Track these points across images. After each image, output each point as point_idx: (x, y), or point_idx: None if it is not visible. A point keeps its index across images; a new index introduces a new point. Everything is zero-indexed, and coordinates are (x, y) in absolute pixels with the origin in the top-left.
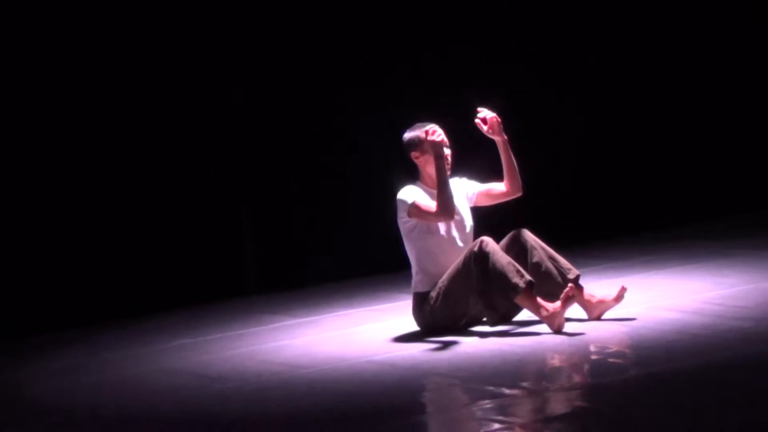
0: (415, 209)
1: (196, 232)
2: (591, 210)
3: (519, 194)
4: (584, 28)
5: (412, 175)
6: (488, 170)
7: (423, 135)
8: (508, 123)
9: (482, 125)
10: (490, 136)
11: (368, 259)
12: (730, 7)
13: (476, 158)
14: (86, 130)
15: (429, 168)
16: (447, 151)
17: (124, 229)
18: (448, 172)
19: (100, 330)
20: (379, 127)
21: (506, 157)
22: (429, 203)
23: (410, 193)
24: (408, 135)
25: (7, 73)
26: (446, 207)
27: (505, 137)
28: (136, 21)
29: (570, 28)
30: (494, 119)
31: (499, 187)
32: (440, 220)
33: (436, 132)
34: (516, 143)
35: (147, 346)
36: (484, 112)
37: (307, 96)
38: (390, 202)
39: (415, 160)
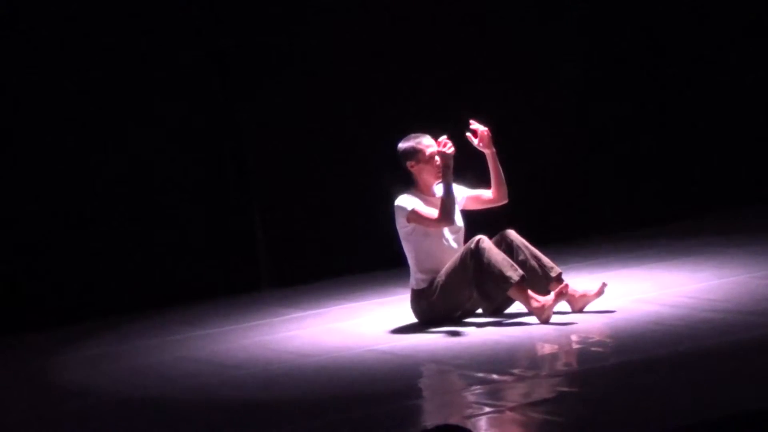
0: (414, 215)
1: (211, 230)
2: (573, 209)
3: (504, 201)
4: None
5: (406, 182)
6: (476, 178)
7: (417, 146)
8: (495, 134)
9: (473, 138)
10: (480, 149)
11: (371, 256)
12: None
13: (465, 167)
14: (110, 131)
15: (424, 176)
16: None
17: (142, 227)
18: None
19: (124, 322)
20: (385, 131)
21: (494, 168)
22: (428, 210)
23: (408, 201)
24: (403, 145)
25: (25, 70)
26: (449, 214)
27: (494, 150)
28: (156, 19)
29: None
30: (485, 132)
31: (486, 194)
32: (441, 226)
33: (447, 144)
34: (500, 145)
35: (168, 336)
36: (476, 125)
37: (319, 95)
38: (392, 203)
39: (411, 169)
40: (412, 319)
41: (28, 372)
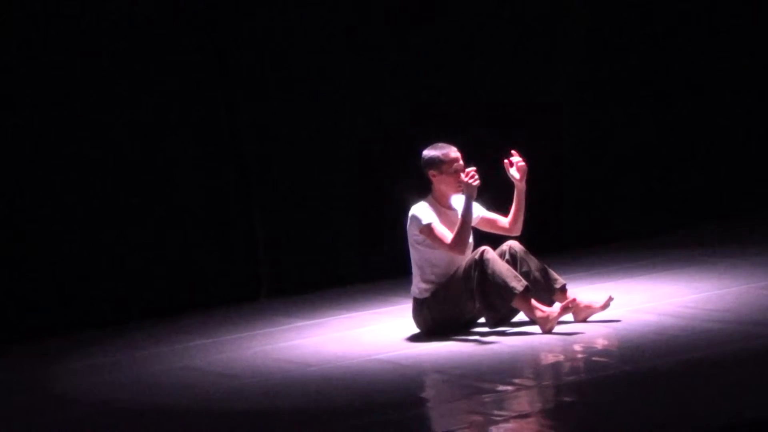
0: (428, 231)
1: (212, 239)
2: (575, 220)
3: (517, 234)
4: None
5: (420, 189)
6: (492, 199)
7: (443, 157)
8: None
9: (509, 166)
10: (512, 179)
11: (372, 265)
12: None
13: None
14: (111, 140)
15: (443, 187)
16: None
17: (143, 237)
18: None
19: (124, 331)
20: (391, 136)
21: (518, 201)
22: (443, 231)
23: (427, 214)
24: (429, 153)
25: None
26: (461, 244)
27: (525, 185)
28: (157, 18)
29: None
30: (523, 166)
31: (502, 221)
32: (450, 253)
33: (475, 176)
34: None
35: (168, 345)
36: (516, 158)
37: (322, 98)
38: (398, 212)
39: (432, 178)
40: (414, 328)
41: (27, 380)
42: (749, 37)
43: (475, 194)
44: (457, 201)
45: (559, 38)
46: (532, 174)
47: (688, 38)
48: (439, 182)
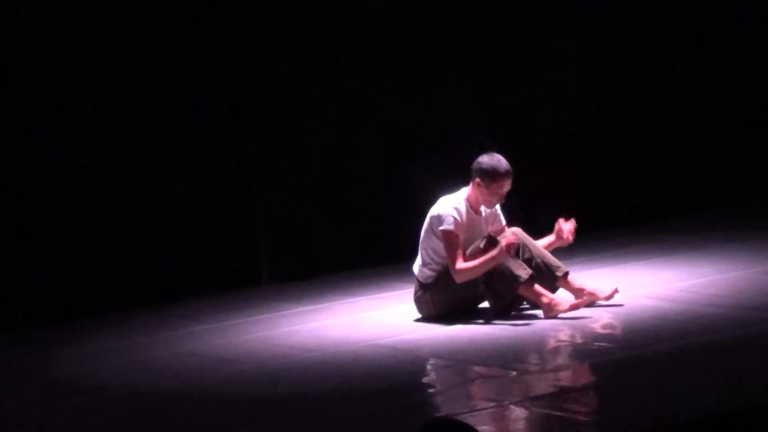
0: (447, 238)
1: (212, 225)
2: (576, 206)
3: None
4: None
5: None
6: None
7: (496, 175)
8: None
9: (562, 224)
10: (557, 235)
11: (374, 251)
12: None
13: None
14: (112, 127)
15: (480, 198)
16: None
17: (144, 222)
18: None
19: (125, 317)
20: (388, 128)
21: (549, 246)
22: (458, 250)
23: (455, 222)
24: (484, 164)
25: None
26: (464, 278)
27: (563, 245)
28: (156, 14)
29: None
30: (571, 236)
31: None
32: (451, 272)
33: (514, 246)
34: (502, 141)
35: (169, 331)
36: (569, 225)
37: (321, 91)
38: (398, 199)
39: (475, 184)
40: (415, 314)
41: (29, 368)
42: (748, 32)
43: (502, 259)
44: (487, 210)
45: (559, 36)
46: (533, 162)
47: (686, 29)
48: (479, 192)
